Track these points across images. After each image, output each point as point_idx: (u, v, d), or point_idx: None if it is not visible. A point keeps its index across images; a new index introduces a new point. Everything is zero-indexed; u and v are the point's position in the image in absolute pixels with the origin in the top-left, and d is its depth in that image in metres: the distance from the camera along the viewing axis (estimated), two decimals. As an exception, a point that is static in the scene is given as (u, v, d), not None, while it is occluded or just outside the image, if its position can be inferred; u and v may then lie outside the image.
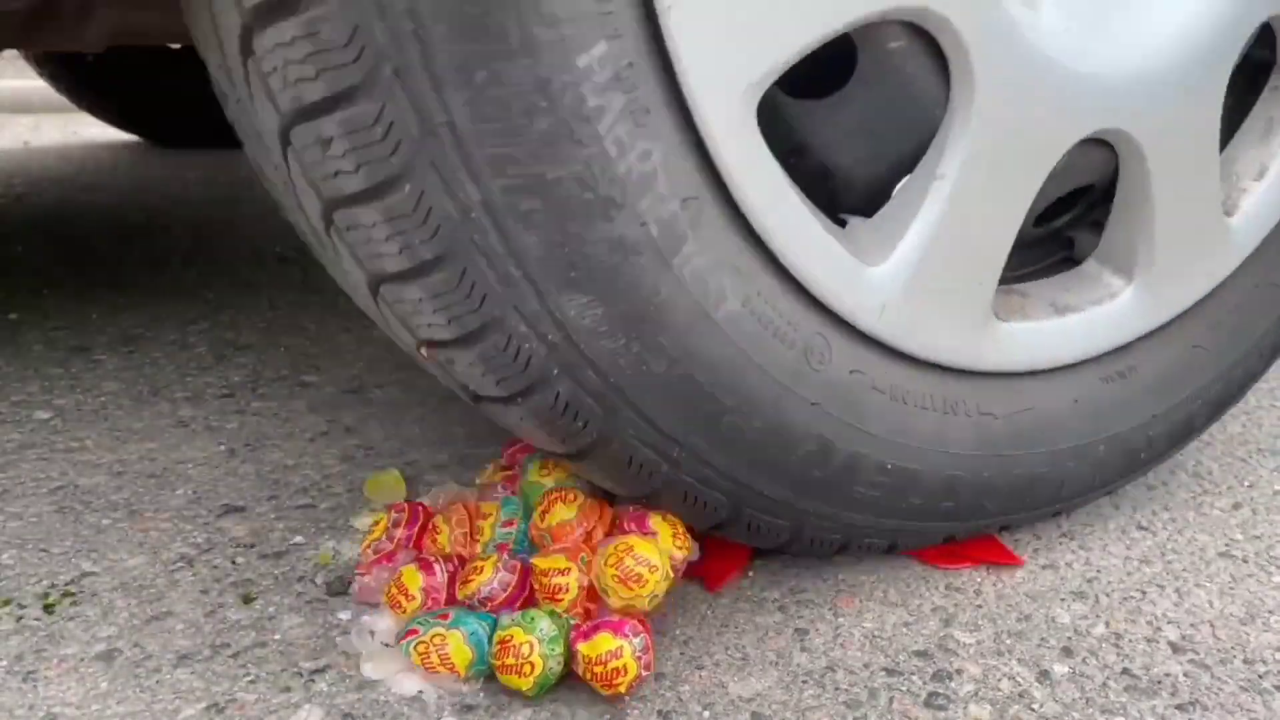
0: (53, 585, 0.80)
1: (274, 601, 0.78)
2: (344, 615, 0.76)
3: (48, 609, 0.77)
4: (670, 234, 0.61)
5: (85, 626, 0.75)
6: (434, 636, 0.68)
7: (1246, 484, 1.00)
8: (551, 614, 0.68)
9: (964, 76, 0.68)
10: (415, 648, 0.68)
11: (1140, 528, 0.91)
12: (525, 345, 0.60)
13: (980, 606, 0.78)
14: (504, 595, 0.71)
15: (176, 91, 2.82)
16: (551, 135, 0.55)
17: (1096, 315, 0.84)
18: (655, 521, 0.73)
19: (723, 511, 0.72)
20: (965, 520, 0.82)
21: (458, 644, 0.67)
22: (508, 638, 0.67)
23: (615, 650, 0.65)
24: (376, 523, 0.82)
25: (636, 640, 0.66)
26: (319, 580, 0.81)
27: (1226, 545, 0.88)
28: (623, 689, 0.65)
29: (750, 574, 0.82)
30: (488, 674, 0.68)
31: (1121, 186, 0.81)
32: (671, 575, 0.71)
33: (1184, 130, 0.80)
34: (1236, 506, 0.95)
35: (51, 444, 1.06)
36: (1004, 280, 0.80)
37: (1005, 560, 0.84)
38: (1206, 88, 0.79)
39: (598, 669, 0.65)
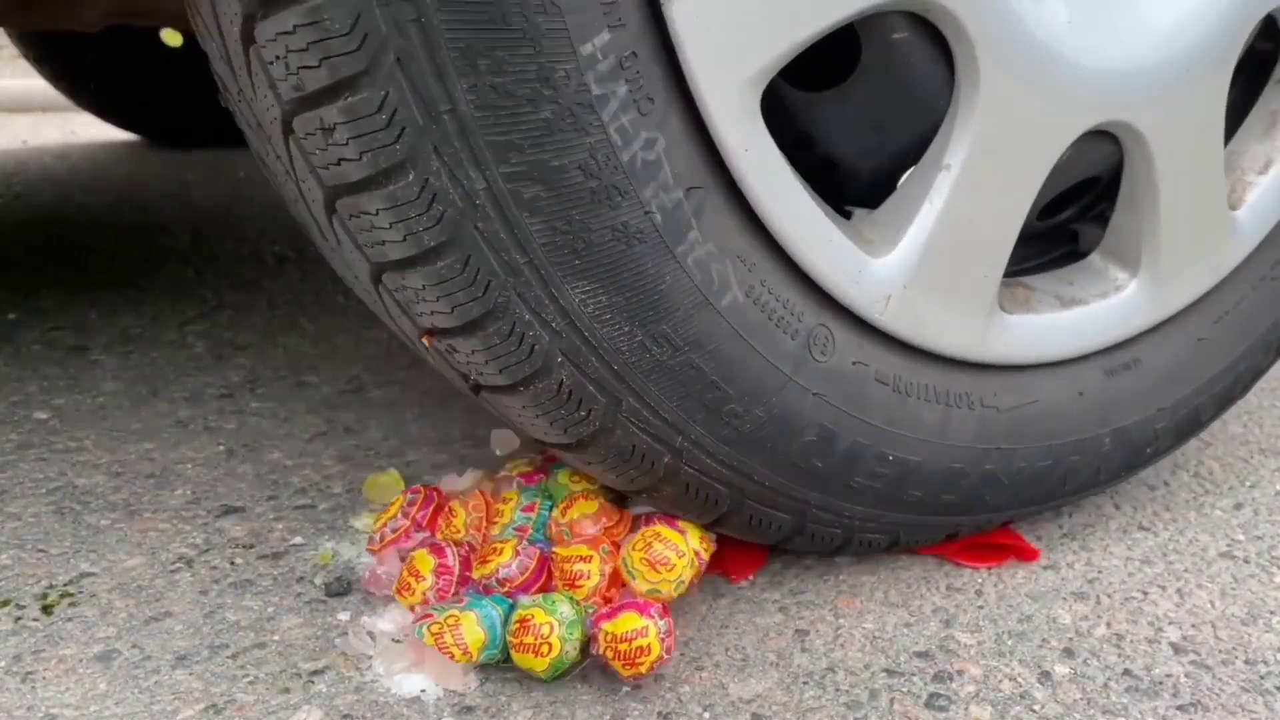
0: (51, 586, 0.80)
1: (273, 602, 0.78)
2: (343, 616, 0.76)
3: (46, 609, 0.77)
4: (674, 223, 0.61)
5: (84, 627, 0.75)
6: (447, 618, 0.68)
7: (1248, 484, 1.00)
8: (571, 600, 0.69)
9: (968, 68, 0.68)
10: (429, 629, 0.68)
11: (1142, 528, 0.91)
12: (529, 333, 0.60)
13: (981, 607, 0.78)
14: (521, 579, 0.71)
15: (176, 90, 2.82)
16: (554, 123, 0.55)
17: (1101, 308, 0.84)
18: (682, 521, 0.74)
19: (724, 504, 0.72)
20: (968, 514, 0.81)
21: (471, 625, 0.67)
22: (528, 617, 0.67)
23: (641, 629, 0.66)
24: (392, 503, 0.82)
25: (661, 622, 0.66)
26: (318, 581, 0.81)
27: (1228, 546, 0.88)
28: (644, 669, 0.66)
29: (750, 576, 0.82)
30: (499, 658, 0.68)
31: (1126, 180, 0.81)
32: (698, 564, 0.72)
33: (1188, 123, 0.79)
34: (1238, 507, 0.95)
35: (50, 444, 1.06)
36: (1009, 273, 0.80)
37: (1024, 554, 0.85)
38: (1210, 80, 0.79)
39: (621, 646, 0.65)
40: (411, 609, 0.73)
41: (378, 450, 1.04)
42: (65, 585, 0.80)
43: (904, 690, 0.68)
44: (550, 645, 0.66)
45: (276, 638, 0.73)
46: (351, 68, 0.52)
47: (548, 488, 0.81)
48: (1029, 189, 0.74)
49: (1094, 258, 0.87)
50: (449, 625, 0.67)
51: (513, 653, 0.67)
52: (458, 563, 0.73)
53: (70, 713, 0.66)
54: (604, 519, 0.75)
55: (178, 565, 0.83)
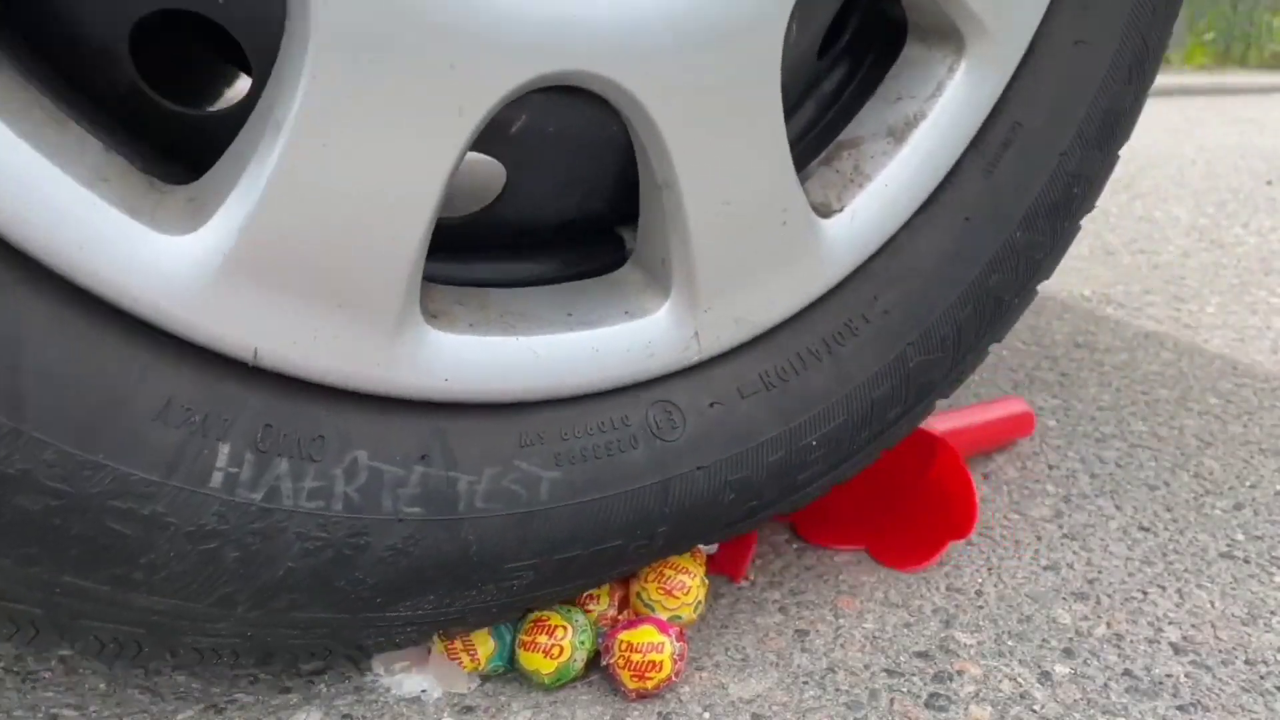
0: (51, 585, 0.80)
1: (273, 602, 0.78)
2: (343, 615, 0.76)
3: (46, 609, 0.77)
4: None
5: (84, 626, 0.75)
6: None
7: (1248, 484, 1.00)
8: (585, 613, 0.70)
9: None
10: (440, 635, 0.68)
11: (1142, 528, 0.91)
12: None
13: (981, 607, 0.78)
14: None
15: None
16: None
17: (620, 335, 0.64)
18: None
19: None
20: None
21: (483, 635, 0.68)
22: (544, 618, 0.68)
23: (658, 644, 0.66)
24: None
25: (678, 645, 0.67)
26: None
27: (1228, 546, 0.88)
28: (652, 685, 0.66)
29: (750, 576, 0.82)
30: (503, 669, 0.69)
31: (640, 164, 0.63)
32: (706, 582, 0.74)
33: (718, 93, 0.60)
34: (1238, 507, 0.95)
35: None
36: (547, 279, 0.66)
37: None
38: (749, 36, 0.60)
39: (635, 656, 0.66)
40: None
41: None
42: (66, 586, 0.80)
43: (904, 690, 0.68)
44: (561, 649, 0.66)
45: (277, 638, 0.74)
46: None
47: None
48: (432, 156, 0.55)
49: (626, 270, 0.68)
50: (461, 633, 0.68)
51: (521, 653, 0.67)
52: None
53: (71, 713, 0.66)
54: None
55: (179, 566, 0.83)
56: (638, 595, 0.72)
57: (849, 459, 0.74)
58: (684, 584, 0.71)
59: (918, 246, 0.73)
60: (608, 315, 0.65)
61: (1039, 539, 0.89)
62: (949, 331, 0.74)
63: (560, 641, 0.66)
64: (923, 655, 0.72)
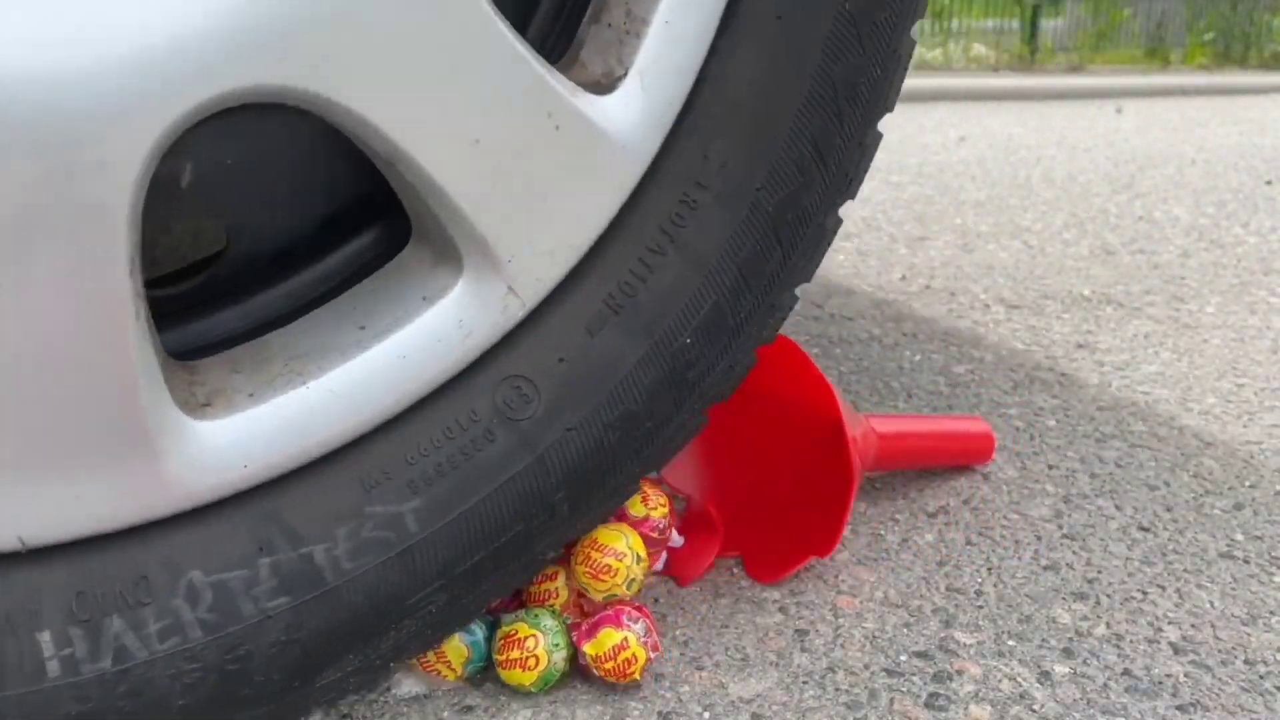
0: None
1: (273, 601, 0.78)
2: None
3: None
4: None
5: (84, 626, 0.75)
6: None
7: (1248, 484, 1.00)
8: (552, 611, 0.69)
9: None
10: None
11: (1141, 528, 0.91)
12: None
13: (981, 607, 0.78)
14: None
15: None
16: None
17: (424, 327, 0.58)
18: (630, 502, 0.73)
19: None
20: None
21: (453, 643, 0.67)
22: (512, 632, 0.67)
23: (621, 643, 0.66)
24: None
25: (638, 626, 0.67)
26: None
27: (1228, 546, 0.88)
28: (637, 676, 0.66)
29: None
30: (483, 671, 0.69)
31: (358, 144, 0.54)
32: (646, 556, 0.72)
33: (405, 40, 0.51)
34: (1238, 507, 0.95)
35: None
36: (331, 293, 0.60)
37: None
38: None
39: (608, 665, 0.66)
40: None
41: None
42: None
43: (904, 690, 0.68)
44: (537, 659, 0.66)
45: (277, 638, 0.74)
46: None
47: None
48: (92, 259, 0.47)
49: (409, 249, 0.60)
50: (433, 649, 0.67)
51: (500, 671, 0.67)
52: None
53: (71, 713, 0.66)
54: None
55: (179, 565, 0.83)
56: (575, 578, 0.71)
57: (739, 333, 0.65)
58: (609, 567, 0.69)
59: (732, 74, 0.60)
60: (405, 311, 0.58)
61: (1039, 539, 0.89)
62: (803, 152, 0.63)
63: (534, 651, 0.66)
64: (922, 655, 0.72)
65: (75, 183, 0.46)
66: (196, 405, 0.54)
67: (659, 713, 0.66)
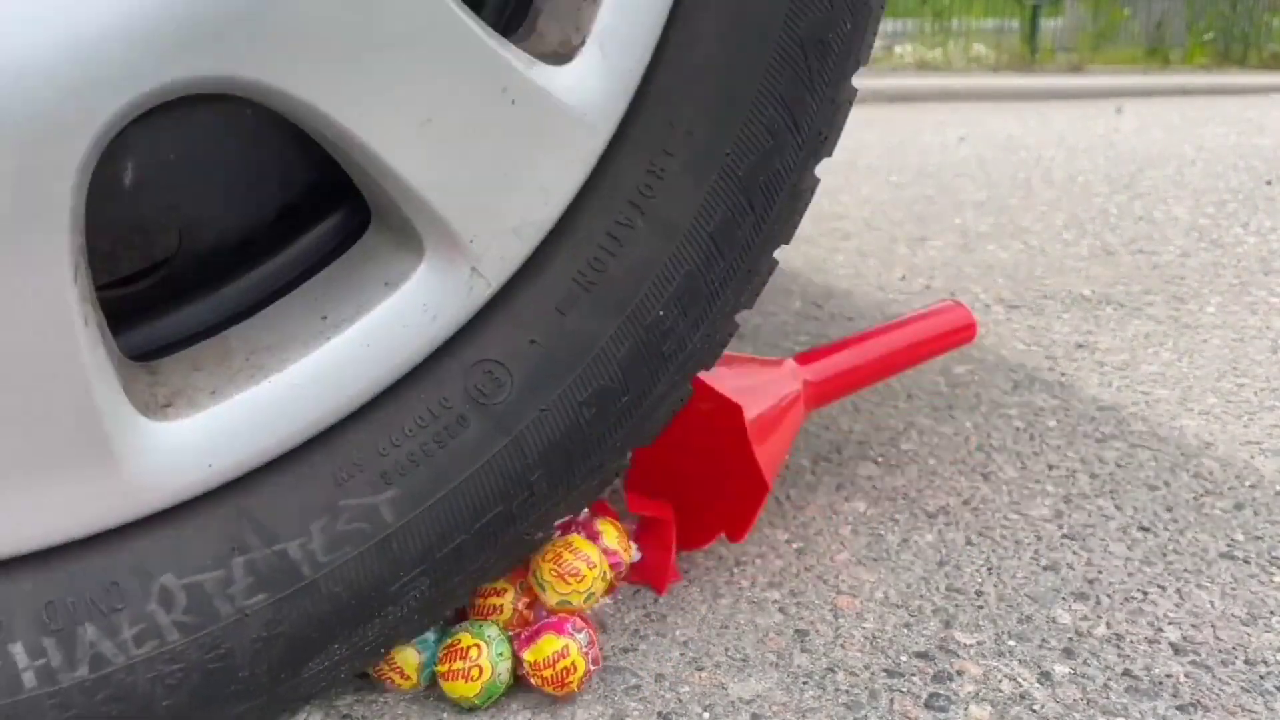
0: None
1: (273, 602, 0.78)
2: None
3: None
4: None
5: (83, 627, 0.75)
6: None
7: (1248, 484, 1.00)
8: (495, 622, 0.68)
9: None
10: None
11: (1142, 528, 0.91)
12: None
13: (981, 607, 0.78)
14: None
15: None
16: None
17: (389, 313, 0.57)
18: (601, 523, 0.72)
19: None
20: None
21: (403, 651, 0.66)
22: (454, 643, 0.66)
23: (561, 650, 0.65)
24: None
25: (580, 636, 0.66)
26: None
27: (1228, 546, 0.88)
28: (575, 686, 0.65)
29: (753, 577, 0.82)
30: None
31: (308, 131, 0.54)
32: (610, 577, 0.71)
33: (335, 20, 0.49)
34: (1238, 507, 0.95)
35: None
36: (292, 283, 0.59)
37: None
38: None
39: (546, 673, 0.65)
40: None
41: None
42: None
43: (904, 690, 0.68)
44: (480, 669, 0.64)
45: (277, 638, 0.74)
46: None
47: None
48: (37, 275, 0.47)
49: (370, 234, 0.60)
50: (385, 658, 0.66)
51: (442, 684, 0.65)
52: None
53: (71, 713, 0.66)
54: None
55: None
56: (533, 574, 0.69)
57: (715, 302, 0.64)
58: (578, 571, 0.68)
59: (694, 37, 0.59)
60: (367, 298, 0.57)
61: (1039, 539, 0.89)
62: (773, 113, 0.61)
63: (477, 662, 0.64)
64: (922, 655, 0.72)
65: (5, 189, 0.45)
66: (157, 406, 0.53)
67: (659, 713, 0.66)
